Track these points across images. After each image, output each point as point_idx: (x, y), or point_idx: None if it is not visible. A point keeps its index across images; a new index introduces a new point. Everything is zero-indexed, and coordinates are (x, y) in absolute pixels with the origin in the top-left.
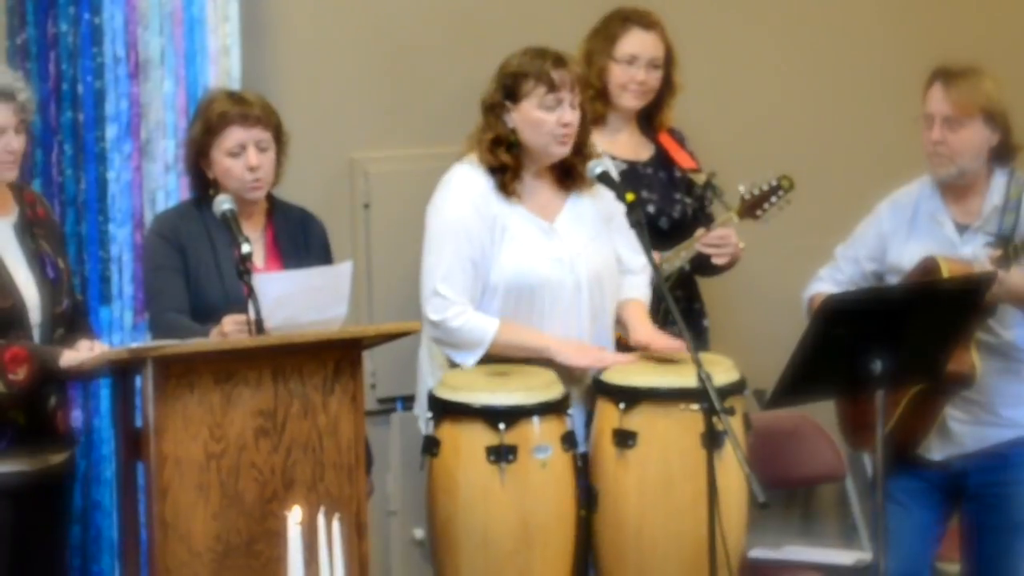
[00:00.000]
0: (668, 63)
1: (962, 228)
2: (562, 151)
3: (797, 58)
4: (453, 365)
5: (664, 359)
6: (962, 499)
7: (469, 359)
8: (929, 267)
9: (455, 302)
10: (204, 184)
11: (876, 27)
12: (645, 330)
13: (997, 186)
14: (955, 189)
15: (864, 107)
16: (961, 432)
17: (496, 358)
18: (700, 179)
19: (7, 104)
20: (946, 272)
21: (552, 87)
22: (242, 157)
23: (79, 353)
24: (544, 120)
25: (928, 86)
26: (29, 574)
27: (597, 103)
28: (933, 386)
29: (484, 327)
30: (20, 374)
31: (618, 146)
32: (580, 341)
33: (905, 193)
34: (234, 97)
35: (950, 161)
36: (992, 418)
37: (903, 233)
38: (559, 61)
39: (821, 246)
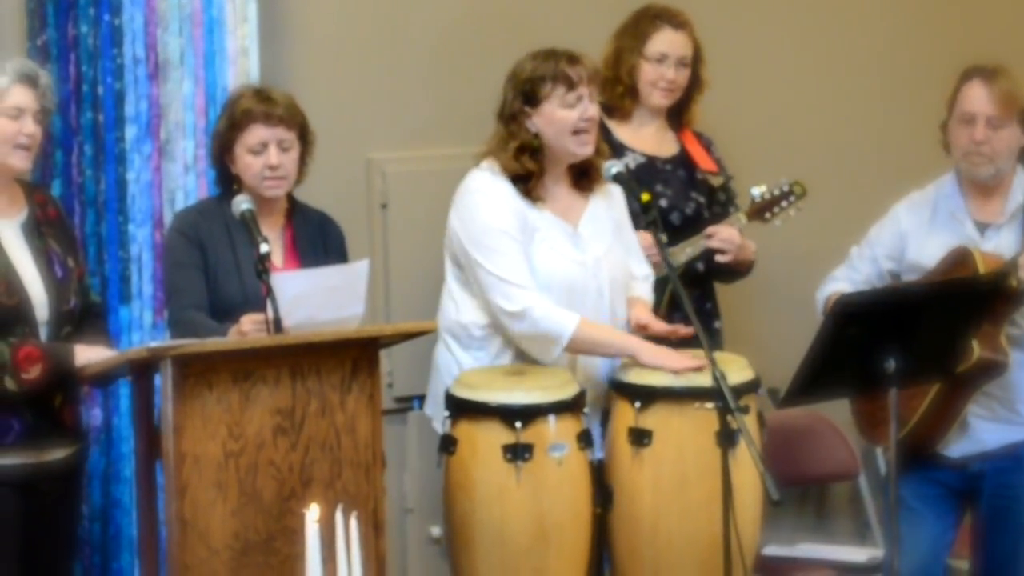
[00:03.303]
0: (696, 60)
1: (982, 226)
2: (587, 151)
3: (812, 62)
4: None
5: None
6: (975, 500)
7: (551, 352)
8: (963, 258)
9: (531, 290)
10: (228, 179)
11: (891, 31)
12: (645, 315)
13: (1019, 185)
14: (980, 188)
15: (878, 110)
16: (981, 428)
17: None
18: (718, 181)
19: (29, 88)
20: (981, 265)
21: (571, 85)
22: (263, 155)
23: (93, 350)
24: (567, 118)
25: (962, 85)
26: (38, 566)
27: (626, 99)
28: (962, 377)
29: (564, 321)
30: (33, 373)
31: (641, 140)
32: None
33: (920, 194)
34: (261, 95)
35: (990, 161)
36: (1012, 415)
37: (923, 231)
38: (572, 58)
39: (835, 247)
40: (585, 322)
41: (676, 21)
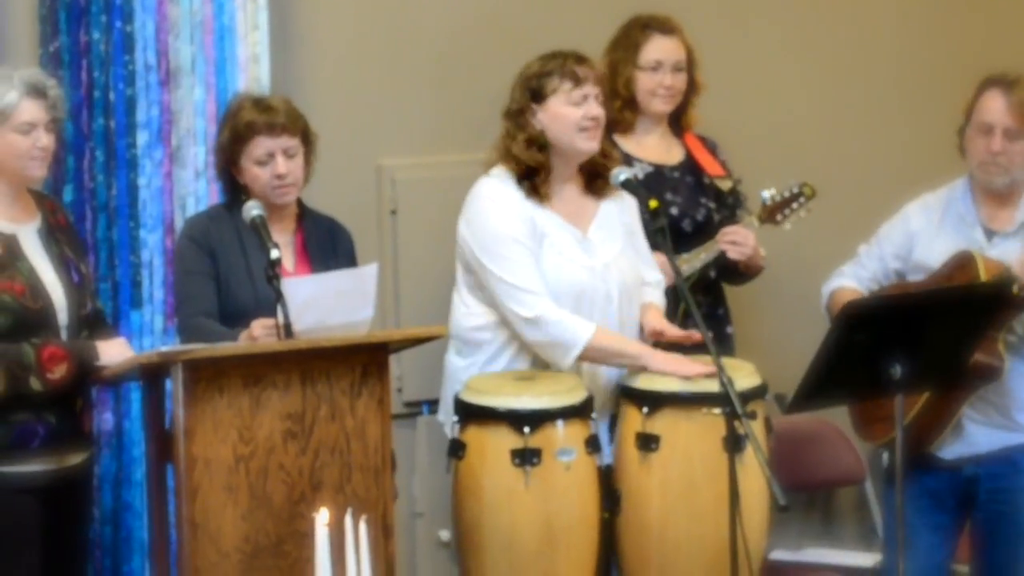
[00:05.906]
0: (690, 64)
1: (990, 233)
2: (591, 146)
3: (820, 64)
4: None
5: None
6: (971, 506)
7: (565, 360)
8: (965, 262)
9: (543, 296)
10: (235, 188)
11: (898, 34)
12: (658, 321)
13: None
14: (993, 195)
15: (888, 114)
16: (974, 432)
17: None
18: (726, 185)
19: (38, 100)
20: (983, 270)
21: (577, 81)
22: (270, 165)
23: (114, 345)
24: (571, 115)
25: (981, 94)
26: (50, 569)
27: (626, 112)
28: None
29: (580, 328)
30: (58, 372)
31: (646, 149)
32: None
33: (934, 195)
34: (260, 105)
35: (1006, 171)
36: (1006, 422)
37: (931, 232)
38: (580, 58)
39: (843, 251)
40: (600, 331)
41: (665, 27)
